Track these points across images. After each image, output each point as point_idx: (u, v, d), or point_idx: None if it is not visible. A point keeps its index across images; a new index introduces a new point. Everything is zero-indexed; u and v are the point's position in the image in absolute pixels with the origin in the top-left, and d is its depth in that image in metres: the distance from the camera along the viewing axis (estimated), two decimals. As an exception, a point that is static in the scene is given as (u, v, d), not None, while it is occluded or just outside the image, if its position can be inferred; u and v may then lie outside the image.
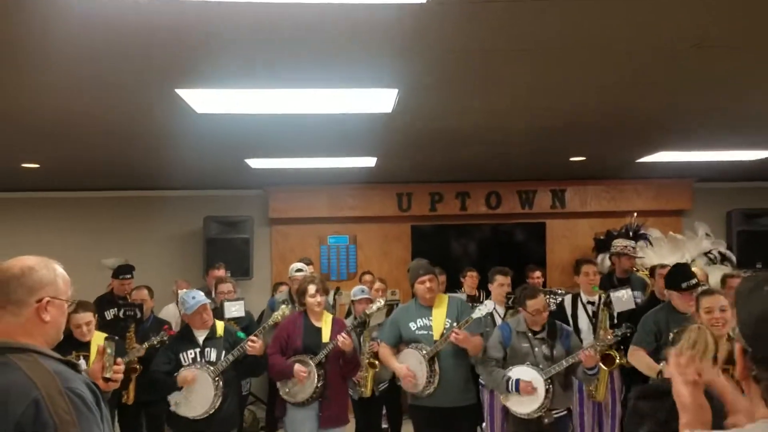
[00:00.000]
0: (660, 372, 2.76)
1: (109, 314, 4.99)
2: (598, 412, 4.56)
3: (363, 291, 5.09)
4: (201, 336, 3.78)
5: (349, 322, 4.90)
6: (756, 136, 4.62)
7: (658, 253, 6.27)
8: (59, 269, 1.69)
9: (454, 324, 3.74)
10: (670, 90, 3.33)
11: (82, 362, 3.27)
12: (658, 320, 3.79)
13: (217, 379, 3.65)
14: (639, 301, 4.67)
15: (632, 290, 4.81)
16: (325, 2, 2.03)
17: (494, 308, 4.80)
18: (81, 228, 7.01)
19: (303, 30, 2.32)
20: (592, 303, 4.65)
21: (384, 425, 5.54)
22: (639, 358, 3.73)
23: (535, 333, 3.86)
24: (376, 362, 4.55)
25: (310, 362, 3.83)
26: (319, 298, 3.94)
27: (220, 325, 3.89)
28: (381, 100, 3.30)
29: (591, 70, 2.95)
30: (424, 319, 3.89)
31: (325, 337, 3.93)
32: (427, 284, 3.86)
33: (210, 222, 6.74)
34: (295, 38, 2.40)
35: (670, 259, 5.29)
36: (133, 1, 2.01)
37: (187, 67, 2.76)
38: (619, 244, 5.46)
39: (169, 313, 5.59)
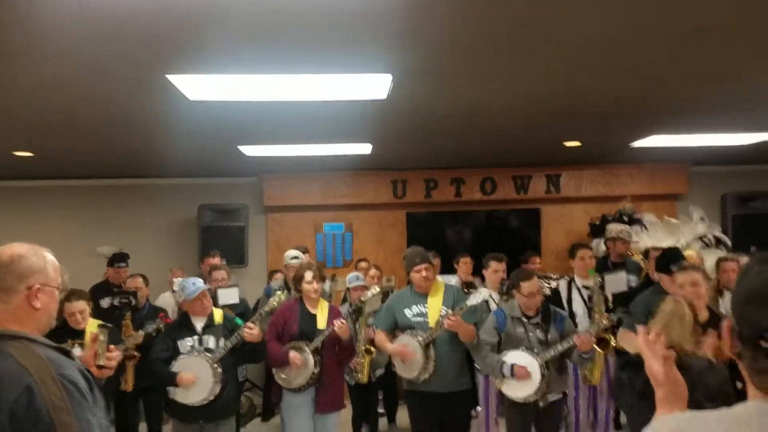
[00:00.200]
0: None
1: (105, 303, 4.98)
2: (593, 395, 4.60)
3: (358, 278, 5.10)
4: (199, 324, 3.78)
5: (344, 309, 4.92)
6: (750, 119, 4.63)
7: (653, 237, 6.29)
8: (49, 256, 1.68)
9: (450, 311, 3.75)
10: (664, 73, 3.32)
11: (77, 350, 3.27)
12: (648, 303, 3.80)
13: (215, 366, 3.66)
14: (634, 284, 4.69)
15: (627, 274, 4.85)
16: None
17: (489, 294, 4.83)
18: (75, 216, 7.00)
19: (296, 15, 2.30)
20: (587, 287, 4.67)
21: (380, 410, 5.58)
22: (628, 340, 3.75)
23: (529, 318, 3.87)
24: (373, 348, 4.57)
25: (306, 348, 3.85)
26: (315, 285, 3.95)
27: (218, 313, 3.89)
28: (376, 86, 3.28)
29: (585, 55, 2.94)
30: (419, 306, 3.90)
31: (321, 323, 3.94)
32: (423, 273, 3.86)
33: (204, 210, 6.72)
34: (288, 23, 2.38)
35: (665, 243, 5.32)
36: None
37: (178, 52, 2.73)
38: (613, 229, 5.47)
39: (165, 302, 5.60)
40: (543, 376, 3.73)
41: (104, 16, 2.26)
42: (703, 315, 3.04)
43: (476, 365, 4.56)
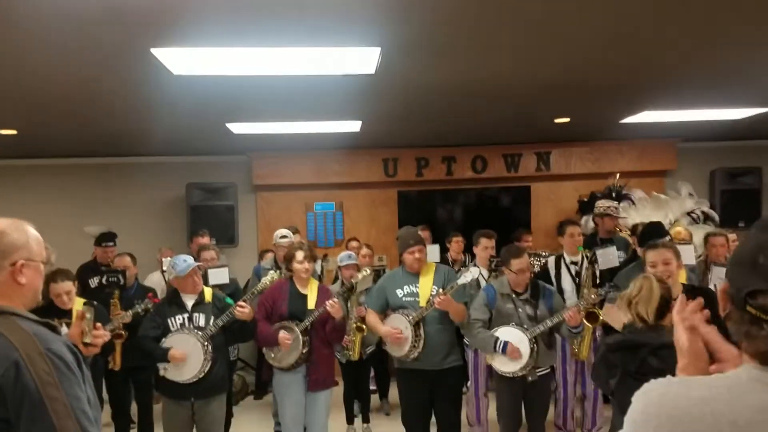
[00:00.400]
0: (625, 326, 2.82)
1: (93, 282, 4.95)
2: (580, 370, 4.65)
3: (350, 257, 5.09)
4: (189, 301, 3.77)
5: (336, 287, 4.92)
6: (739, 94, 4.62)
7: (642, 213, 6.32)
8: (31, 230, 1.66)
9: (440, 290, 3.75)
10: (653, 47, 3.29)
11: (63, 329, 3.25)
12: (631, 277, 3.83)
13: (206, 344, 3.66)
14: (622, 260, 4.71)
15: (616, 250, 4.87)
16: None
17: (480, 272, 4.85)
18: (62, 196, 6.93)
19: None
20: (576, 263, 4.70)
21: (372, 387, 5.62)
22: (612, 315, 3.78)
23: (518, 294, 3.89)
24: (364, 326, 4.59)
25: (295, 328, 3.85)
26: (306, 265, 3.94)
27: (208, 291, 3.88)
28: (364, 60, 3.23)
29: (577, 29, 2.91)
30: (411, 286, 3.91)
31: (311, 304, 3.93)
32: (416, 255, 3.87)
33: (193, 189, 6.67)
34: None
35: (653, 219, 5.33)
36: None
37: (162, 24, 2.67)
38: (602, 205, 5.49)
39: (154, 281, 5.57)
40: (532, 350, 3.77)
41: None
42: (677, 290, 3.06)
43: (465, 341, 4.60)
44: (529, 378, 3.81)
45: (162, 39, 2.86)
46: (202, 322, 3.72)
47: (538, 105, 4.79)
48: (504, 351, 3.76)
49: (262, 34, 2.83)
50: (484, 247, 4.92)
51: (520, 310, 3.86)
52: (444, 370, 3.83)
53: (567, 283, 4.66)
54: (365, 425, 5.17)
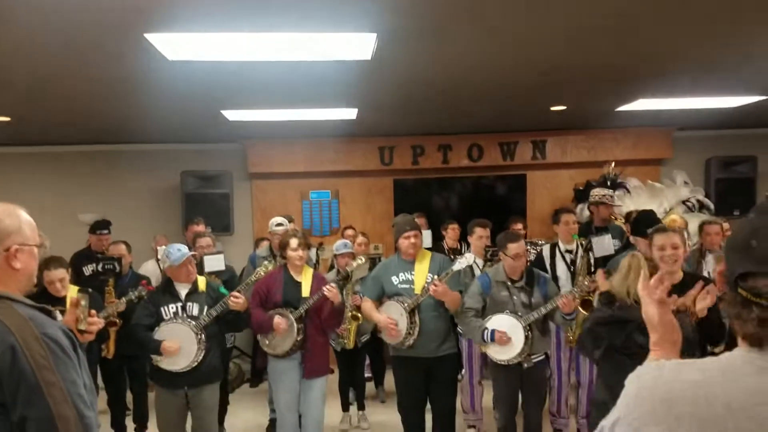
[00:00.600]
0: (602, 294, 2.88)
1: (88, 270, 4.95)
2: (576, 357, 4.67)
3: (346, 245, 5.09)
4: (183, 290, 3.76)
5: (331, 275, 4.93)
6: (735, 82, 4.61)
7: (637, 201, 6.33)
8: (23, 215, 1.65)
9: (435, 277, 3.76)
10: (649, 34, 3.28)
11: (58, 316, 3.24)
12: None
13: (199, 333, 3.65)
14: (617, 248, 4.72)
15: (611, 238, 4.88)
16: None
17: (474, 261, 4.85)
18: (56, 183, 6.90)
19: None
20: (570, 251, 4.71)
21: (367, 375, 5.65)
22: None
23: (513, 281, 3.90)
24: (359, 315, 4.59)
25: (290, 316, 3.85)
26: (300, 252, 3.93)
27: (201, 281, 3.87)
28: (359, 45, 3.21)
29: (576, 15, 2.89)
30: (406, 273, 3.91)
31: (305, 291, 3.93)
32: (412, 240, 3.87)
33: (187, 177, 6.64)
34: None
35: (648, 207, 5.34)
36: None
37: (156, 10, 2.64)
38: (597, 193, 5.49)
39: (148, 270, 5.56)
40: (527, 338, 3.78)
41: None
42: (678, 277, 3.07)
43: (459, 330, 4.61)
44: (525, 365, 3.83)
45: (156, 24, 2.83)
46: (195, 312, 3.72)
47: (534, 92, 4.77)
48: (492, 340, 3.77)
49: (258, 19, 2.80)
50: (479, 236, 4.92)
51: (514, 297, 3.87)
52: (439, 358, 3.85)
53: (562, 271, 4.67)
54: (360, 413, 5.19)
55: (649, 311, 1.22)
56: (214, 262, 4.62)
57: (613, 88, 4.71)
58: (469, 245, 5.20)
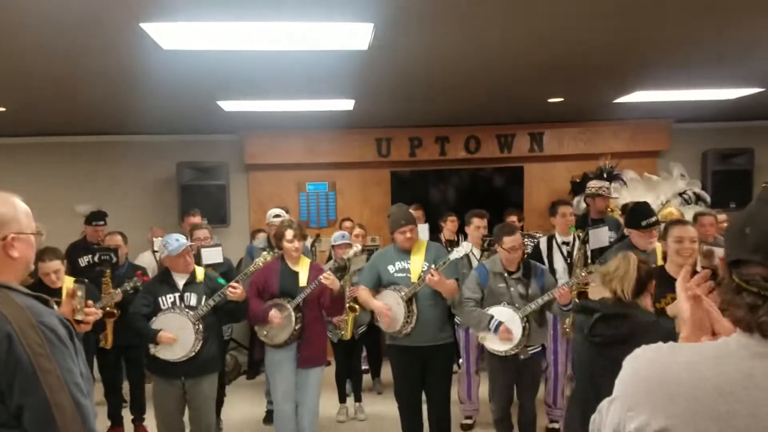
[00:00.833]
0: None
1: (83, 261, 4.93)
2: (572, 348, 4.68)
3: (344, 236, 5.09)
4: (181, 281, 3.76)
5: (328, 266, 4.92)
6: (731, 73, 4.61)
7: (633, 193, 6.34)
8: (19, 203, 1.64)
9: (432, 266, 3.76)
10: (647, 26, 3.27)
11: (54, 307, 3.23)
12: None
13: (196, 323, 3.65)
14: (613, 240, 4.73)
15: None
16: None
17: (471, 250, 4.86)
18: (52, 174, 6.87)
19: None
20: (567, 243, 4.71)
21: (364, 366, 5.66)
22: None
23: (510, 273, 3.91)
24: (357, 306, 4.60)
25: (288, 306, 3.85)
26: (296, 244, 3.93)
27: (200, 271, 3.87)
28: (356, 35, 3.19)
29: (570, 6, 2.88)
30: (402, 262, 3.92)
31: (303, 281, 3.94)
32: (408, 234, 3.88)
33: (183, 168, 6.62)
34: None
35: (645, 199, 5.34)
36: None
37: (150, -2, 2.62)
38: (593, 185, 5.49)
39: (144, 261, 5.55)
40: (524, 329, 3.79)
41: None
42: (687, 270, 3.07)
43: (456, 320, 4.62)
44: (521, 356, 3.84)
45: (152, 13, 2.80)
46: (193, 302, 3.72)
47: (532, 83, 4.76)
48: (497, 330, 3.78)
49: (254, 8, 2.78)
50: (476, 226, 4.92)
51: (512, 288, 3.88)
52: (435, 347, 3.86)
53: (559, 262, 4.68)
54: (357, 404, 5.20)
55: (683, 307, 1.22)
56: (212, 255, 4.60)
57: (610, 79, 4.70)
58: (466, 237, 5.20)
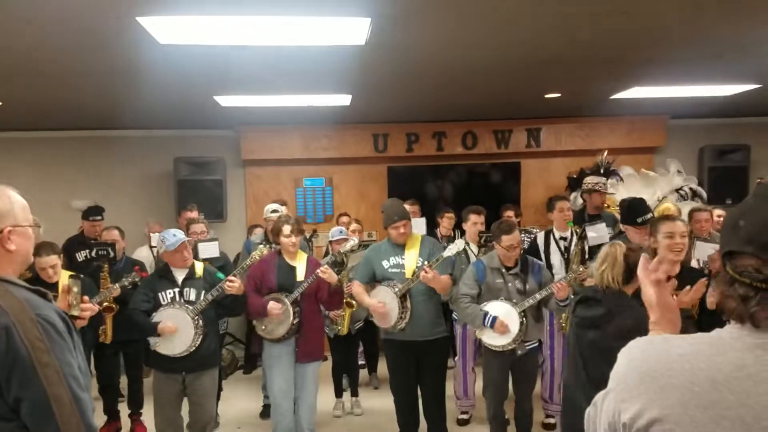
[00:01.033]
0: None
1: (81, 256, 4.93)
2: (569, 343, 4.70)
3: (341, 232, 5.10)
4: (180, 275, 3.76)
5: (325, 261, 4.92)
6: (728, 69, 4.61)
7: (630, 189, 6.35)
8: (15, 196, 1.64)
9: (425, 262, 3.78)
10: (644, 22, 3.27)
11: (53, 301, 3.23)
12: None
13: (196, 318, 3.66)
14: (610, 236, 4.74)
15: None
16: None
17: (468, 246, 4.87)
18: (48, 169, 6.84)
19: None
20: (565, 239, 4.72)
21: (361, 362, 5.67)
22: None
23: (508, 269, 3.92)
24: (354, 302, 4.60)
25: (285, 300, 3.86)
26: (293, 239, 3.94)
27: (199, 266, 3.87)
28: (354, 30, 3.18)
29: (568, 1, 2.87)
30: (397, 257, 3.93)
31: (300, 275, 3.94)
32: (401, 230, 3.89)
33: (180, 163, 6.60)
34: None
35: (642, 196, 5.35)
36: None
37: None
38: (590, 181, 5.51)
39: (142, 256, 5.54)
40: (521, 324, 3.80)
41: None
42: (677, 269, 3.09)
43: (454, 316, 4.63)
44: (518, 351, 3.86)
45: (148, 7, 2.79)
46: (192, 297, 3.73)
47: (529, 79, 4.76)
48: (492, 326, 3.79)
49: (250, 3, 2.77)
50: (473, 222, 4.93)
51: (509, 284, 3.89)
52: (430, 341, 3.88)
53: (556, 258, 4.69)
54: (354, 399, 5.22)
55: (648, 292, 1.25)
56: (209, 249, 4.61)
57: (607, 75, 4.71)
58: (462, 233, 5.21)
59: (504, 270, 3.91)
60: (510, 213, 5.77)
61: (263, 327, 3.93)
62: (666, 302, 1.22)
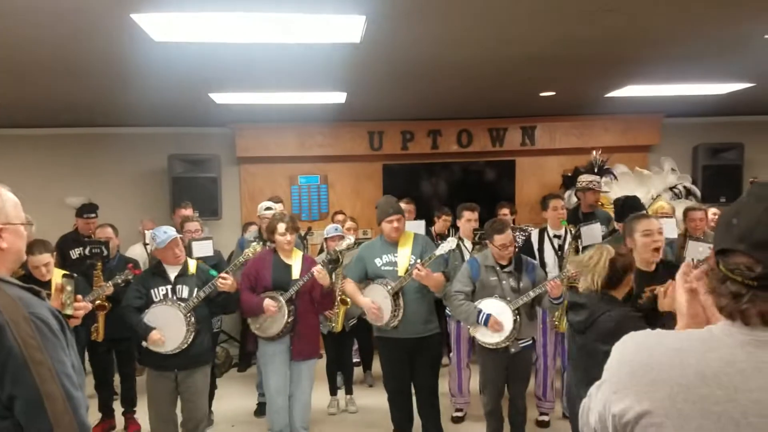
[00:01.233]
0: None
1: (75, 253, 4.91)
2: (561, 341, 4.72)
3: (336, 229, 5.09)
4: (173, 272, 3.76)
5: (321, 259, 4.92)
6: (722, 68, 4.63)
7: (624, 188, 6.37)
8: (6, 194, 1.63)
9: (418, 260, 3.78)
10: (639, 20, 3.28)
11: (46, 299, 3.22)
12: None
13: (188, 315, 3.66)
14: (604, 234, 4.75)
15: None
16: None
17: (462, 243, 4.88)
18: (43, 167, 6.81)
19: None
20: (559, 237, 4.74)
21: (355, 359, 5.67)
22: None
23: (502, 267, 3.93)
24: (348, 300, 4.60)
25: (280, 298, 3.86)
26: (288, 237, 3.94)
27: (192, 263, 3.87)
28: (349, 28, 3.18)
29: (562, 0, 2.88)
30: (389, 255, 3.94)
31: (295, 273, 3.94)
32: (395, 224, 3.89)
33: (174, 160, 6.58)
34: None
35: (636, 194, 5.37)
36: None
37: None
38: (584, 179, 5.52)
39: (136, 253, 5.53)
40: (515, 322, 3.82)
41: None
42: (653, 265, 3.12)
43: (448, 313, 4.64)
44: (512, 349, 3.87)
45: (143, 4, 2.78)
46: (185, 294, 3.72)
47: (524, 77, 4.76)
48: (486, 323, 3.80)
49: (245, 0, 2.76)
50: (467, 219, 4.95)
51: (503, 282, 3.90)
52: (423, 338, 3.89)
53: (549, 256, 4.71)
54: (348, 397, 5.22)
55: (680, 299, 1.25)
56: (203, 248, 4.59)
57: (602, 73, 4.72)
58: (457, 231, 5.22)
59: (498, 268, 3.92)
60: (505, 211, 5.79)
61: (257, 325, 3.93)
62: (696, 313, 1.22)
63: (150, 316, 3.63)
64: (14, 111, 5.73)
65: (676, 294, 1.29)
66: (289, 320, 3.86)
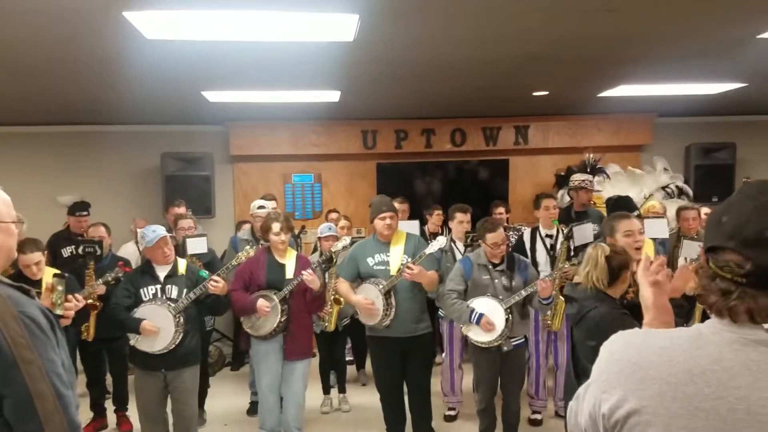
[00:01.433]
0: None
1: (66, 252, 4.89)
2: (554, 340, 4.73)
3: (330, 228, 5.09)
4: (162, 272, 3.74)
5: (315, 258, 4.92)
6: (714, 68, 4.65)
7: (617, 187, 6.40)
8: None
9: (409, 260, 3.78)
10: (632, 20, 3.29)
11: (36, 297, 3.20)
12: None
13: (177, 315, 3.64)
14: (596, 233, 4.77)
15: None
16: None
17: (454, 245, 4.89)
18: (35, 165, 6.76)
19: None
20: (551, 236, 4.75)
21: (348, 358, 5.67)
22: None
23: (495, 265, 3.94)
24: (342, 299, 4.60)
25: (274, 297, 3.85)
26: (283, 237, 3.93)
27: (182, 263, 3.85)
28: (342, 26, 3.18)
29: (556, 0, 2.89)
30: (381, 254, 3.93)
31: (289, 273, 3.94)
32: (388, 221, 3.88)
33: (167, 158, 6.56)
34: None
35: (628, 193, 5.40)
36: None
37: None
38: (576, 178, 5.54)
39: (128, 252, 5.51)
40: (507, 320, 3.83)
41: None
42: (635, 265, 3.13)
43: (440, 312, 4.64)
44: (504, 348, 3.88)
45: (135, 2, 2.77)
46: (174, 294, 3.71)
47: (518, 77, 4.77)
48: (479, 322, 3.81)
49: (238, -2, 2.76)
50: (459, 221, 4.95)
51: (496, 281, 3.92)
52: (414, 337, 3.89)
53: (541, 255, 4.72)
54: (341, 395, 5.22)
55: (645, 293, 1.26)
56: (197, 245, 4.58)
57: (595, 73, 4.73)
58: (450, 231, 5.22)
59: (491, 267, 3.93)
60: (501, 210, 5.80)
61: (250, 324, 3.93)
62: (662, 305, 1.23)
63: (139, 316, 3.62)
64: (5, 108, 5.69)
65: (640, 289, 1.31)
66: (283, 319, 3.85)
